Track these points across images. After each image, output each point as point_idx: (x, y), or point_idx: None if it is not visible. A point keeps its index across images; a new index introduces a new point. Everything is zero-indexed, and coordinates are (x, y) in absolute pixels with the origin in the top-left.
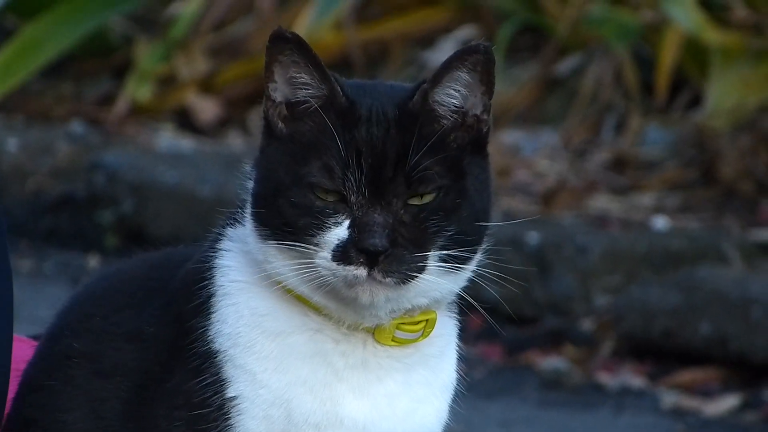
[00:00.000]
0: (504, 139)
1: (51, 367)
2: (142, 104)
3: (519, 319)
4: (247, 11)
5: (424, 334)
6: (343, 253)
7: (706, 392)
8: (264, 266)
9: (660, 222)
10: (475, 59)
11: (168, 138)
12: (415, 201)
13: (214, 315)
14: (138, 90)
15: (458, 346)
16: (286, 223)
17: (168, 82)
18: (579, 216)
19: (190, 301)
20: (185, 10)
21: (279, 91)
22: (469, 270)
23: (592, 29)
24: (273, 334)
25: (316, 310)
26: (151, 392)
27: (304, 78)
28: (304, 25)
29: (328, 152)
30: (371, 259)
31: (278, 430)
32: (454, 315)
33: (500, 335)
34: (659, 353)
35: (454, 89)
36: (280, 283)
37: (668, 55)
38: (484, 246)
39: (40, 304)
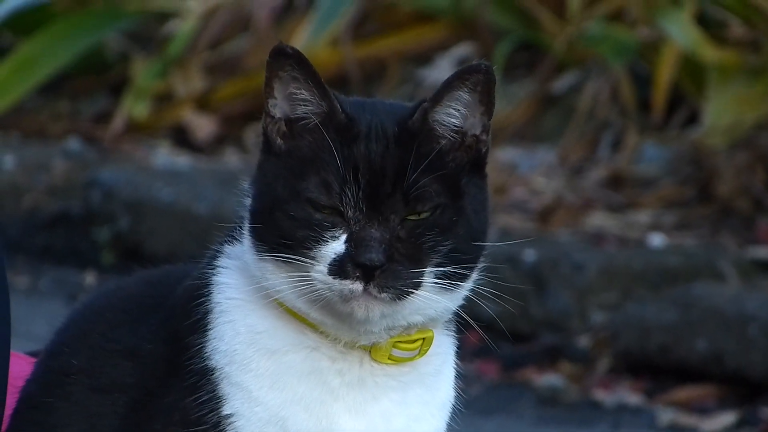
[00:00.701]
0: (501, 157)
1: (49, 384)
2: (139, 121)
3: (515, 336)
4: (243, 29)
5: (421, 352)
6: (339, 268)
7: (702, 409)
8: (261, 282)
9: (656, 239)
10: (476, 79)
11: (164, 155)
12: (412, 217)
13: (210, 332)
14: (134, 107)
15: (456, 363)
16: (283, 236)
17: (164, 100)
18: (575, 233)
19: (187, 317)
20: (182, 28)
21: (278, 107)
22: (465, 288)
23: (589, 46)
24: (269, 351)
25: (313, 327)
26: (148, 409)
27: (304, 94)
28: (300, 42)
29: (327, 168)
30: (367, 274)
31: None
32: (452, 333)
33: (497, 352)
34: (656, 370)
35: (454, 108)
36: (277, 300)
37: (665, 73)
38: (480, 265)
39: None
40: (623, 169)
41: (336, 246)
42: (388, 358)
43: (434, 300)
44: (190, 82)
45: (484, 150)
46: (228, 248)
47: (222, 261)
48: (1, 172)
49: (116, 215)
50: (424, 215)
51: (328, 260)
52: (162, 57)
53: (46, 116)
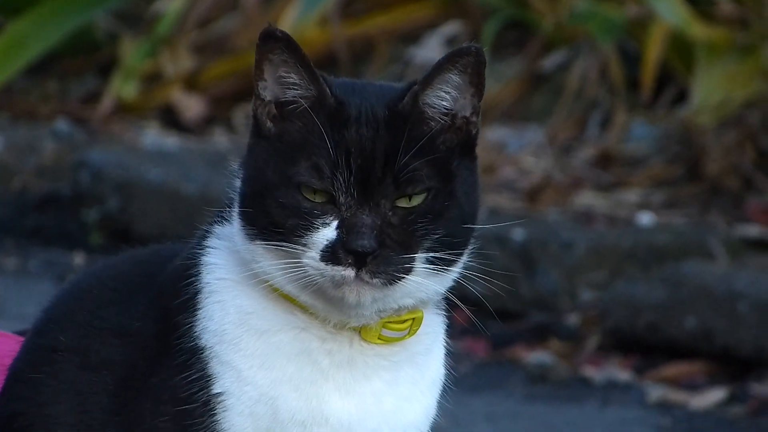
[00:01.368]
0: (489, 136)
1: (37, 361)
2: (128, 102)
3: (505, 314)
4: (231, 8)
5: (411, 332)
6: (331, 254)
7: (692, 386)
8: (251, 265)
9: (645, 218)
10: (466, 61)
11: (153, 136)
12: (403, 203)
13: (200, 312)
14: (123, 88)
15: (445, 342)
16: (273, 223)
17: (153, 80)
18: (564, 212)
19: (176, 296)
20: (170, 7)
21: (268, 89)
22: (455, 271)
23: (578, 25)
24: (259, 331)
25: (303, 308)
26: (137, 387)
27: (293, 78)
28: (289, 22)
29: (317, 152)
30: (359, 260)
31: (264, 427)
32: (442, 312)
33: (485, 332)
34: (645, 347)
35: (444, 91)
36: (266, 281)
37: (654, 51)
38: (470, 248)
39: (25, 301)
40: (612, 147)
41: (327, 232)
42: (378, 338)
43: (425, 284)
44: (178, 62)
45: (474, 132)
46: (217, 228)
47: (211, 241)
48: None
49: (105, 196)
50: (415, 201)
51: (320, 247)
52: (150, 37)
53: (34, 97)
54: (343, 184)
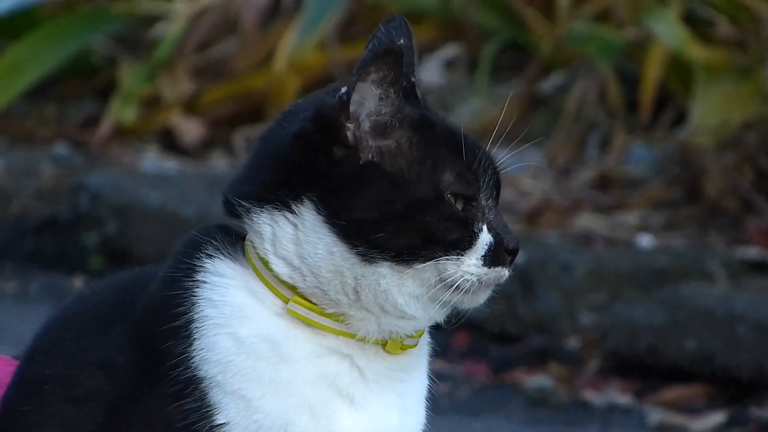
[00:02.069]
0: None
1: (26, 392)
2: (127, 126)
3: (505, 337)
4: (230, 32)
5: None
6: (495, 256)
7: (692, 409)
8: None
9: (645, 240)
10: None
11: (152, 159)
12: None
13: (197, 342)
14: (122, 111)
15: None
16: (428, 238)
17: (152, 104)
18: (564, 234)
19: (161, 323)
20: (169, 31)
21: (365, 106)
22: None
23: (577, 47)
24: (273, 362)
25: (324, 329)
26: (126, 417)
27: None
28: (287, 46)
29: (453, 159)
30: (514, 258)
31: None
32: None
33: (486, 354)
34: (645, 370)
35: None
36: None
37: (652, 72)
38: None
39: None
40: (611, 169)
41: (484, 237)
42: (400, 348)
43: None
44: (177, 86)
45: None
46: (216, 265)
47: (208, 277)
48: None
49: (104, 220)
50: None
51: (482, 252)
52: (149, 61)
53: (33, 121)
54: (483, 186)
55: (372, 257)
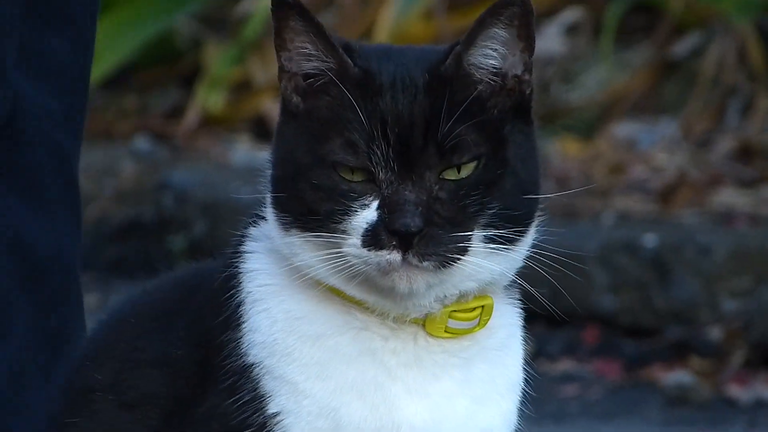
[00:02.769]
0: (617, 132)
1: (73, 403)
2: (215, 114)
3: (638, 330)
4: (327, 5)
5: (481, 322)
6: (373, 238)
7: None
8: (291, 260)
9: None
10: (511, 12)
11: (244, 150)
12: (451, 175)
13: (245, 325)
14: (209, 98)
15: (524, 338)
16: (309, 209)
17: (242, 89)
18: (702, 213)
19: (218, 314)
20: (258, 7)
21: (293, 61)
22: (521, 250)
23: (711, 3)
24: (312, 338)
25: (359, 305)
26: (182, 420)
27: (309, 49)
28: (389, 16)
29: (350, 126)
30: (404, 242)
31: None
32: (517, 302)
33: (618, 350)
34: None
35: (491, 48)
36: (314, 279)
37: None
38: (536, 222)
39: None
40: (754, 138)
41: (367, 214)
42: (445, 331)
43: (486, 265)
44: (269, 68)
45: (528, 92)
46: (253, 230)
47: (248, 245)
48: None
49: (192, 220)
50: (464, 171)
51: (361, 231)
52: (238, 41)
53: (111, 114)
54: (381, 158)
55: (284, 224)
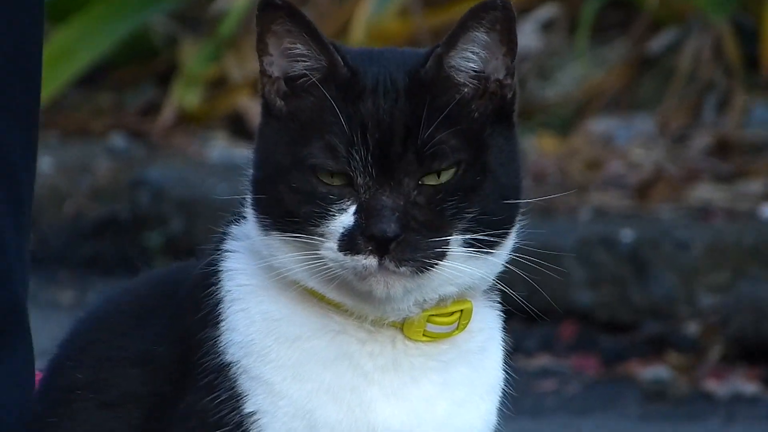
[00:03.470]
0: (593, 128)
1: (53, 402)
2: (190, 111)
3: (616, 326)
4: (302, 2)
5: (460, 326)
6: (350, 242)
7: None
8: (269, 261)
9: None
10: (493, 16)
11: (220, 147)
12: (431, 181)
13: (223, 323)
14: (185, 96)
15: (504, 340)
16: (287, 211)
17: (218, 86)
18: (679, 208)
19: (197, 311)
20: (234, 5)
21: (275, 65)
22: (501, 254)
23: (687, 0)
24: (289, 339)
25: (337, 307)
26: (162, 417)
27: (300, 49)
28: (365, 14)
29: (331, 129)
30: (381, 247)
31: None
32: (496, 305)
33: (596, 345)
34: None
35: (472, 52)
36: (293, 281)
37: None
38: (516, 226)
39: None
40: (731, 134)
41: (345, 219)
42: (423, 335)
43: (465, 270)
44: (245, 65)
45: (510, 96)
46: (234, 229)
47: (229, 244)
48: (38, 175)
49: (168, 217)
50: (444, 177)
51: (338, 235)
52: (213, 38)
53: (87, 111)
54: (360, 163)
55: (263, 225)
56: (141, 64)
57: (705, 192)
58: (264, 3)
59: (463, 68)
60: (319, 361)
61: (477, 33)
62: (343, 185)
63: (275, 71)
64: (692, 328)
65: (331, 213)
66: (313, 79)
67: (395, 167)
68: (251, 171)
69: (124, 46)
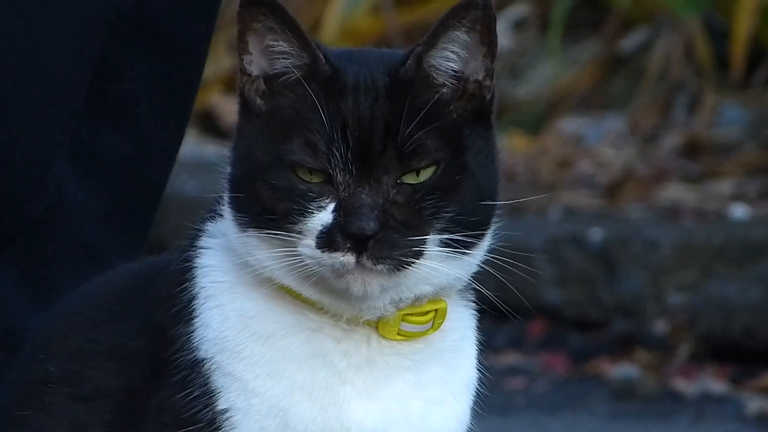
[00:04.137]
0: (564, 127)
1: (26, 396)
2: None
3: (584, 324)
4: None
5: (435, 325)
6: (328, 240)
7: None
8: (246, 258)
9: (739, 210)
10: (474, 16)
11: (190, 144)
12: (410, 179)
13: (196, 320)
14: None
15: (477, 339)
16: (265, 209)
17: None
18: (648, 208)
19: (170, 306)
20: None
21: (255, 63)
22: (477, 255)
23: None
24: (263, 337)
25: (313, 305)
26: (135, 412)
27: (282, 46)
28: (337, 11)
29: (311, 127)
30: (359, 245)
31: None
32: (470, 304)
33: (564, 343)
34: (742, 355)
35: (451, 51)
36: (268, 279)
37: (744, 25)
38: (492, 228)
39: None
40: (700, 134)
41: (323, 216)
42: (398, 334)
43: (441, 269)
44: (216, 62)
45: (488, 97)
46: (210, 226)
47: (204, 241)
48: None
49: None
50: (423, 176)
51: (316, 233)
52: None
53: None
54: (340, 161)
55: (240, 223)
56: None
57: (674, 192)
58: (246, 0)
59: (442, 68)
60: (294, 359)
61: (457, 33)
62: (323, 183)
63: (255, 70)
64: (661, 326)
65: (309, 210)
66: (297, 75)
67: (375, 165)
68: (228, 169)
69: None
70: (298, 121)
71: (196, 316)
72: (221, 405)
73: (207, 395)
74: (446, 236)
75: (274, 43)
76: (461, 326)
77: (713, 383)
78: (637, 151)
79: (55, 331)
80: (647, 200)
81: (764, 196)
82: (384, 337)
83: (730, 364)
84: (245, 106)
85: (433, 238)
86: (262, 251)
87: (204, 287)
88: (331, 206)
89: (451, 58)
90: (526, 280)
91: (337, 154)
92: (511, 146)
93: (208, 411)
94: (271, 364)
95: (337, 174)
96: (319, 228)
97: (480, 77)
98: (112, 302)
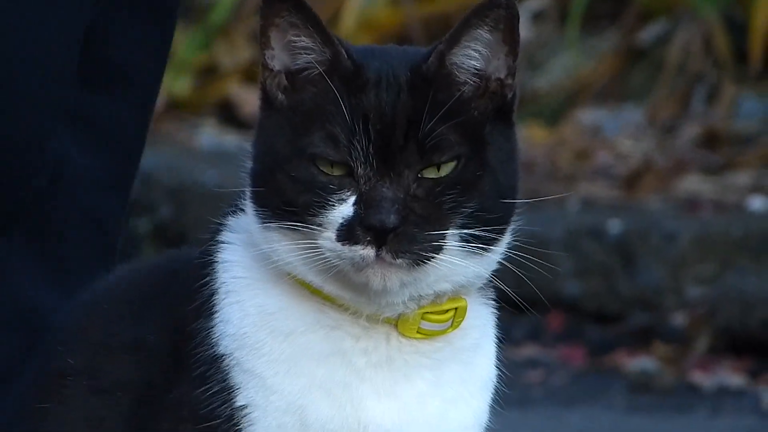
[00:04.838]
0: (583, 119)
1: (45, 388)
2: (181, 98)
3: (603, 316)
4: None
5: (454, 324)
6: (348, 232)
7: None
8: (268, 254)
9: (758, 202)
10: (497, 15)
11: (210, 135)
12: (431, 174)
13: (216, 315)
14: (175, 83)
15: (497, 337)
16: (286, 201)
17: (208, 73)
18: (667, 200)
19: (191, 301)
20: None
21: (277, 59)
22: (496, 252)
23: None
24: (283, 333)
25: (333, 303)
26: (154, 406)
27: (305, 41)
28: (356, 4)
29: (333, 120)
30: (379, 238)
31: None
32: (490, 302)
33: (583, 336)
34: (760, 348)
35: (473, 50)
36: (289, 274)
37: (762, 18)
38: (512, 226)
39: None
40: (719, 125)
41: (344, 209)
42: (417, 332)
43: (460, 266)
44: (236, 53)
45: (510, 96)
46: (232, 221)
47: (225, 236)
48: None
49: (157, 204)
50: (444, 170)
51: (336, 225)
52: (204, 26)
53: None
54: (361, 154)
55: (262, 217)
56: None
57: (693, 184)
58: None
59: (464, 66)
60: (313, 356)
61: (480, 31)
62: (343, 175)
63: (277, 65)
64: (679, 319)
65: (330, 203)
66: (319, 70)
67: (396, 159)
68: (250, 164)
69: None
70: (320, 115)
71: (216, 312)
72: (240, 401)
73: (226, 391)
74: (466, 232)
75: (297, 38)
76: (481, 324)
77: (731, 376)
78: (656, 143)
79: (74, 323)
80: (666, 192)
81: None
82: (403, 336)
83: (749, 358)
84: (267, 101)
85: (452, 234)
86: (283, 244)
87: (225, 282)
88: (352, 199)
89: (473, 56)
90: (545, 272)
91: (359, 147)
92: (530, 137)
93: (227, 407)
94: (290, 362)
95: (358, 167)
96: (340, 221)
97: (502, 76)
98: (133, 296)
